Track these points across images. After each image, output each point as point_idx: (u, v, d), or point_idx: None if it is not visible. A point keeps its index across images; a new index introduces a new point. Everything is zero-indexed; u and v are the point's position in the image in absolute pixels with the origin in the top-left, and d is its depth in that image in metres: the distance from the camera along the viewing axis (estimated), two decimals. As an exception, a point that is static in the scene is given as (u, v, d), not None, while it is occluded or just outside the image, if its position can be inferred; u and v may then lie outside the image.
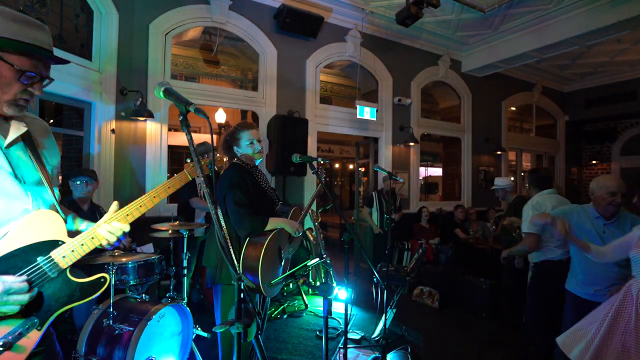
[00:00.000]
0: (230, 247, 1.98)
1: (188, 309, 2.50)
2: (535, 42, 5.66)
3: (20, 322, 0.96)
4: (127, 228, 1.15)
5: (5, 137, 1.04)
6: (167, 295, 2.95)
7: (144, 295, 2.57)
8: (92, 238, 1.10)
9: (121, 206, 1.18)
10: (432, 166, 12.04)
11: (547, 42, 5.53)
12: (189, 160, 1.64)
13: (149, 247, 3.47)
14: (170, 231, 2.97)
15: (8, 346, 0.92)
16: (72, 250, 1.05)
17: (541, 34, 5.55)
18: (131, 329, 2.15)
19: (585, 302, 2.27)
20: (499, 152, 7.27)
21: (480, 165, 7.25)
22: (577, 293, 2.35)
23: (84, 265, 2.29)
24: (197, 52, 6.46)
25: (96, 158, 3.81)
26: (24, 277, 0.97)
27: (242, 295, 1.03)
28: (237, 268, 1.89)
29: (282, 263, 2.18)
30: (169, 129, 4.39)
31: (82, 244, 1.08)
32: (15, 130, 1.06)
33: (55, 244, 1.05)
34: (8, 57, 0.97)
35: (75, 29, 3.83)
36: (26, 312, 0.96)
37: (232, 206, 2.00)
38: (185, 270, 2.96)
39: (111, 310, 2.26)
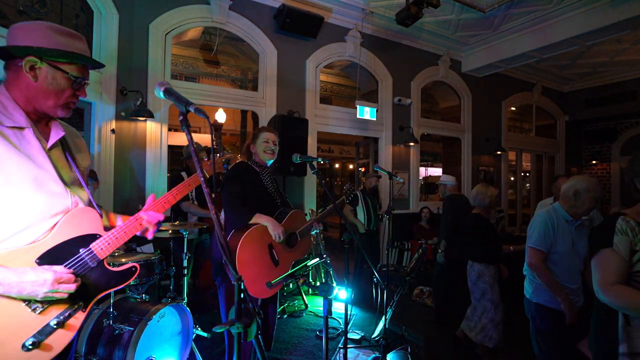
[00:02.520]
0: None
1: (188, 309, 2.50)
2: (535, 42, 5.65)
3: (69, 304, 1.11)
4: (161, 217, 1.33)
5: (47, 141, 1.17)
6: (167, 295, 2.95)
7: (144, 295, 2.57)
8: (125, 232, 1.24)
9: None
10: (432, 166, 12.04)
11: (547, 42, 5.52)
12: (206, 159, 1.81)
13: (149, 247, 3.47)
14: (170, 231, 2.97)
15: (61, 325, 1.08)
16: (108, 243, 1.20)
17: (541, 34, 5.54)
18: (131, 329, 2.15)
19: (562, 313, 2.09)
20: (499, 152, 7.26)
21: (480, 165, 7.25)
22: (554, 307, 2.13)
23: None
24: (197, 52, 6.46)
25: (96, 158, 3.81)
26: (71, 269, 1.11)
27: (242, 295, 1.03)
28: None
29: (279, 263, 2.17)
30: (169, 129, 4.39)
31: (117, 237, 1.22)
32: (55, 134, 1.18)
33: (94, 237, 1.18)
34: (63, 67, 1.13)
35: (75, 29, 3.81)
36: (73, 296, 1.11)
37: (224, 197, 2.12)
38: (186, 270, 2.96)
39: (111, 310, 2.26)
